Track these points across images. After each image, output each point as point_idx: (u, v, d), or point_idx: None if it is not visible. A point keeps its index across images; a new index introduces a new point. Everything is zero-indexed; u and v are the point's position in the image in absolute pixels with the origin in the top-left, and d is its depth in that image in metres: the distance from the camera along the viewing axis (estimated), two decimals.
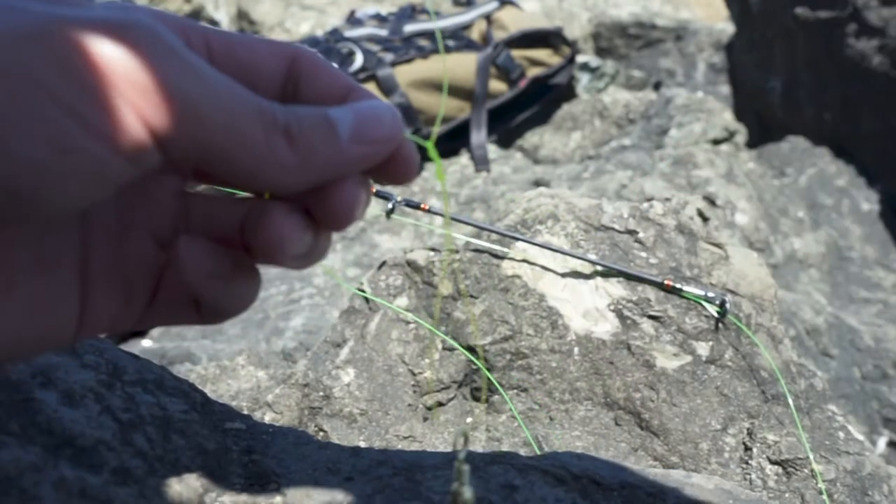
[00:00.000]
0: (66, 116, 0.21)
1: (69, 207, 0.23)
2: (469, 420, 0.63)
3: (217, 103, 0.22)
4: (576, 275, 0.65)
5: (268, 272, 1.31)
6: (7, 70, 0.20)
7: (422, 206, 0.67)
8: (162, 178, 0.29)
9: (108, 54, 0.21)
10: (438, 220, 1.28)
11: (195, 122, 0.22)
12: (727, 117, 1.56)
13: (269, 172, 0.24)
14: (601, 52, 2.33)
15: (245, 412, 0.52)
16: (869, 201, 1.50)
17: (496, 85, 1.68)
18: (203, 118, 0.22)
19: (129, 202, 0.28)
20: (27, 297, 0.25)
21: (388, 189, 0.75)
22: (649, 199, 0.71)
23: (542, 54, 1.72)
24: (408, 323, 0.66)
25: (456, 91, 1.66)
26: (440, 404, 0.63)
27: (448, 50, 1.66)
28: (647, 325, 0.63)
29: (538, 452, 0.58)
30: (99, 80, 0.21)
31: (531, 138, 1.72)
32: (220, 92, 0.23)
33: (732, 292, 0.65)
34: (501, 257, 0.66)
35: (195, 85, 0.22)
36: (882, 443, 1.05)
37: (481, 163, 1.63)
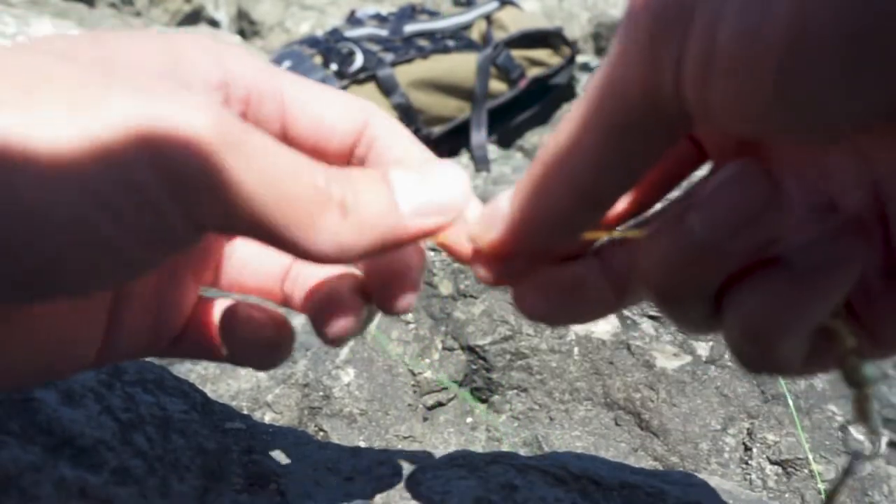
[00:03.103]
0: (99, 210, 0.20)
1: (96, 290, 0.22)
2: (469, 420, 0.63)
3: (273, 189, 0.21)
4: None
5: None
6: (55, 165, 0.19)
7: None
8: None
9: (165, 154, 0.20)
10: None
11: (247, 210, 0.21)
12: None
13: (317, 247, 0.23)
14: (601, 52, 2.33)
15: (245, 412, 0.52)
16: None
17: (496, 85, 1.68)
18: (256, 206, 0.21)
19: None
20: (51, 329, 0.25)
21: None
22: None
23: (542, 54, 1.72)
24: (408, 323, 0.66)
25: (456, 91, 1.66)
26: (440, 404, 0.63)
27: (448, 50, 1.66)
28: (646, 325, 0.63)
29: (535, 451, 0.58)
30: (149, 180, 0.20)
31: (531, 138, 1.72)
32: (277, 176, 0.21)
33: None
34: None
35: (253, 175, 0.21)
36: (882, 443, 1.05)
37: (481, 163, 1.63)
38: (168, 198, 0.20)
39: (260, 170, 0.21)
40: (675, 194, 0.27)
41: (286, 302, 0.30)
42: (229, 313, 0.28)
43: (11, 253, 0.19)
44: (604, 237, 0.26)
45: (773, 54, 0.16)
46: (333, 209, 0.22)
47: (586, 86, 0.21)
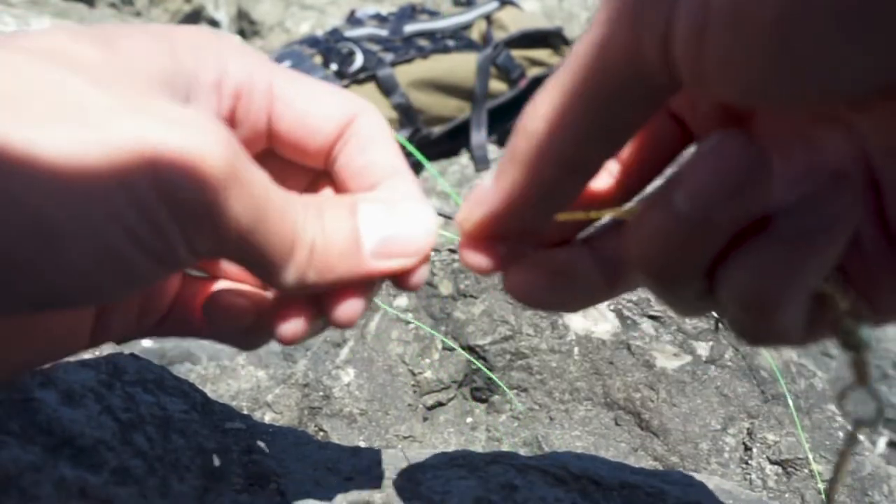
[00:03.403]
0: (125, 234, 0.20)
1: (103, 302, 0.23)
2: (469, 420, 0.63)
3: (263, 226, 0.23)
4: None
5: None
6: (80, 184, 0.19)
7: None
8: None
9: (173, 180, 0.20)
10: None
11: (237, 241, 0.22)
12: None
13: (283, 281, 0.24)
14: None
15: (245, 412, 0.52)
16: None
17: (496, 85, 1.68)
18: (246, 238, 0.22)
19: None
20: (47, 319, 0.25)
21: None
22: None
23: (542, 54, 1.72)
24: (407, 323, 0.66)
25: (456, 91, 1.66)
26: (440, 404, 0.63)
27: (448, 50, 1.66)
28: (647, 325, 0.63)
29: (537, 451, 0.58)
30: (158, 205, 0.20)
31: None
32: (268, 214, 0.23)
33: None
34: None
35: (249, 211, 0.22)
36: (882, 443, 1.05)
37: (481, 163, 1.63)
38: (172, 221, 0.21)
39: (255, 207, 0.22)
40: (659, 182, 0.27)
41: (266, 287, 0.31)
42: (212, 300, 0.29)
43: (28, 267, 0.19)
44: (594, 217, 0.26)
45: (772, 6, 0.16)
46: (305, 249, 0.24)
47: (567, 55, 0.21)
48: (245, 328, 0.29)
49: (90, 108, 0.20)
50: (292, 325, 0.27)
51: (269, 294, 0.30)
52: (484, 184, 0.25)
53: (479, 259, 0.26)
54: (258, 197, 0.22)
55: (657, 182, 0.26)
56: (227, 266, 0.31)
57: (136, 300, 0.28)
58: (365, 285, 0.27)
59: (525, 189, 0.23)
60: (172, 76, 0.24)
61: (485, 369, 0.61)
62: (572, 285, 0.27)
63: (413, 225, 0.26)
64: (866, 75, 0.16)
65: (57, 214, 0.19)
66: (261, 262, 0.23)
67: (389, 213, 0.26)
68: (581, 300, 0.28)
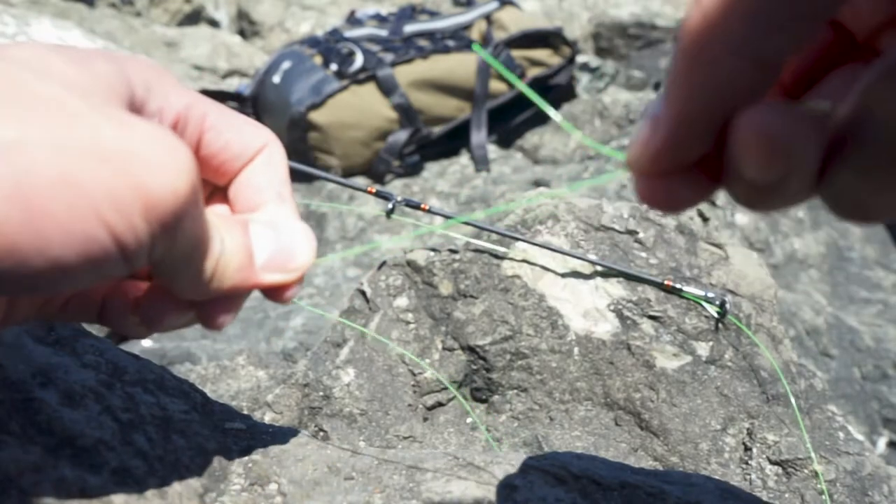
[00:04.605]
0: (105, 229, 0.22)
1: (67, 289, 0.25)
2: (469, 420, 0.63)
3: (196, 243, 0.26)
4: (576, 275, 0.65)
5: None
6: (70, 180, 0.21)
7: (422, 206, 0.67)
8: None
9: (152, 191, 0.23)
10: (438, 220, 1.28)
11: (174, 255, 0.25)
12: None
13: (188, 288, 0.28)
14: (601, 52, 2.33)
15: (245, 412, 0.52)
16: None
17: (496, 85, 1.68)
18: (180, 254, 0.25)
19: None
20: None
21: (388, 189, 0.75)
22: None
23: (542, 54, 1.72)
24: (408, 323, 0.66)
25: (456, 91, 1.66)
26: (440, 404, 0.63)
27: (448, 50, 1.66)
28: (647, 326, 0.63)
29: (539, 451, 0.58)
30: (136, 210, 0.23)
31: (531, 138, 1.72)
32: (203, 233, 0.26)
33: (732, 292, 0.65)
34: (501, 257, 0.66)
35: (193, 231, 0.25)
36: (882, 443, 1.05)
37: (481, 163, 1.63)
38: (146, 225, 0.23)
39: (201, 223, 0.25)
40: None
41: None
42: (150, 301, 0.32)
43: (22, 256, 0.21)
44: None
45: None
46: (214, 261, 0.27)
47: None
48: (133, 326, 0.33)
49: (79, 115, 0.22)
50: (172, 319, 0.31)
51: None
52: (649, 114, 0.23)
53: (660, 195, 0.24)
54: (202, 214, 0.26)
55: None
56: None
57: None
58: (241, 297, 0.31)
59: (702, 92, 0.21)
60: (130, 99, 0.27)
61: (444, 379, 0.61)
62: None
63: (295, 244, 0.30)
64: None
65: (51, 205, 0.21)
66: (186, 271, 0.27)
67: (276, 232, 0.30)
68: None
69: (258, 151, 0.31)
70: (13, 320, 0.30)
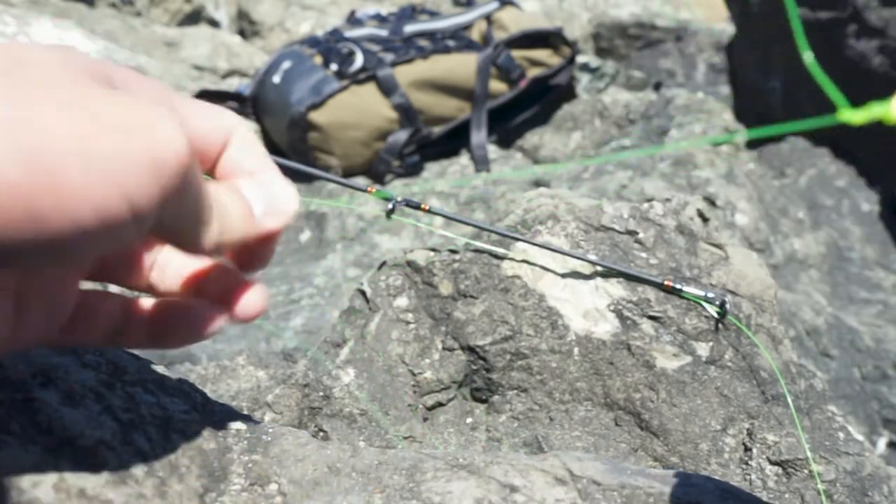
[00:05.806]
0: (119, 192, 0.24)
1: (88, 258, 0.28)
2: (469, 420, 0.63)
3: (197, 207, 0.28)
4: (576, 275, 0.65)
5: (269, 272, 1.31)
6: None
7: (422, 206, 0.67)
8: None
9: (165, 159, 0.25)
10: (438, 220, 1.28)
11: (179, 219, 0.28)
12: (727, 118, 1.56)
13: (204, 246, 0.30)
14: (601, 52, 2.33)
15: (245, 412, 0.52)
16: (869, 202, 1.50)
17: (496, 85, 1.68)
18: (185, 217, 0.28)
19: None
20: None
21: (388, 189, 0.75)
22: (649, 200, 0.71)
23: (542, 54, 1.72)
24: (408, 323, 0.66)
25: (456, 91, 1.66)
26: (440, 404, 0.63)
27: (448, 50, 1.66)
28: (647, 326, 0.63)
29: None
30: (149, 176, 0.25)
31: (531, 138, 1.72)
32: (201, 198, 0.28)
33: (732, 293, 0.65)
34: (501, 258, 0.66)
35: (194, 194, 0.28)
36: (882, 443, 1.05)
37: (481, 163, 1.63)
38: (157, 191, 0.25)
39: (199, 188, 0.28)
40: None
41: (151, 290, 0.36)
42: (170, 318, 0.35)
43: (44, 220, 0.23)
44: None
45: None
46: (219, 218, 0.30)
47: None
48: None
49: (80, 91, 0.25)
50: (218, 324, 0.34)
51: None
52: None
53: None
54: (201, 176, 0.29)
55: None
56: (116, 271, 0.36)
57: (41, 310, 0.31)
58: (268, 245, 0.35)
59: None
60: (109, 85, 0.28)
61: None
62: None
63: (282, 191, 0.33)
64: None
65: (68, 171, 0.23)
66: (191, 231, 0.29)
67: (263, 186, 0.33)
68: None
69: (230, 133, 0.33)
70: (23, 342, 0.30)
